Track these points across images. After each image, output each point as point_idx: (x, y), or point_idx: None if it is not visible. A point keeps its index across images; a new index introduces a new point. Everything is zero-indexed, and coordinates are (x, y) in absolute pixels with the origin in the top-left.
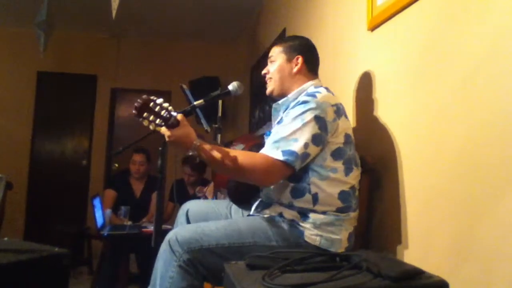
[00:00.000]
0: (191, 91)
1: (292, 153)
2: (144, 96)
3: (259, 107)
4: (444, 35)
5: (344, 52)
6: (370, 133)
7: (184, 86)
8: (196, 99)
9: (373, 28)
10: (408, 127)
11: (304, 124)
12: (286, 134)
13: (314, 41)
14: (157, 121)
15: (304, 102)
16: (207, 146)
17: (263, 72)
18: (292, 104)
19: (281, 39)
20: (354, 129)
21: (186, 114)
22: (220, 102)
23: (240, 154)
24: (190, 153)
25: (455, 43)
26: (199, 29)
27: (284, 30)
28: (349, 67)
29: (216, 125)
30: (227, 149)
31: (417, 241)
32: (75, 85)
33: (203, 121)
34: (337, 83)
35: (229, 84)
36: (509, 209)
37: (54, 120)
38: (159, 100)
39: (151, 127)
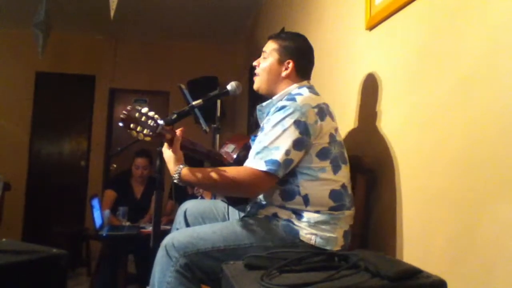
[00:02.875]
0: (190, 91)
1: (274, 162)
2: (129, 107)
3: None
4: (442, 34)
5: (342, 51)
6: (367, 133)
7: (183, 86)
8: (194, 99)
9: (371, 28)
10: (406, 127)
11: (284, 131)
12: (268, 143)
13: (312, 41)
14: (145, 131)
15: (283, 107)
16: (188, 171)
17: (254, 63)
18: (273, 109)
19: (279, 34)
20: (352, 129)
21: (184, 114)
22: (218, 102)
23: (224, 171)
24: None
25: (454, 43)
26: (197, 29)
27: (282, 30)
28: (347, 66)
29: (215, 125)
30: (209, 169)
31: (415, 241)
32: (73, 86)
33: (201, 121)
34: (335, 83)
35: (227, 84)
36: (507, 208)
37: (53, 120)
38: (144, 109)
39: (139, 137)
